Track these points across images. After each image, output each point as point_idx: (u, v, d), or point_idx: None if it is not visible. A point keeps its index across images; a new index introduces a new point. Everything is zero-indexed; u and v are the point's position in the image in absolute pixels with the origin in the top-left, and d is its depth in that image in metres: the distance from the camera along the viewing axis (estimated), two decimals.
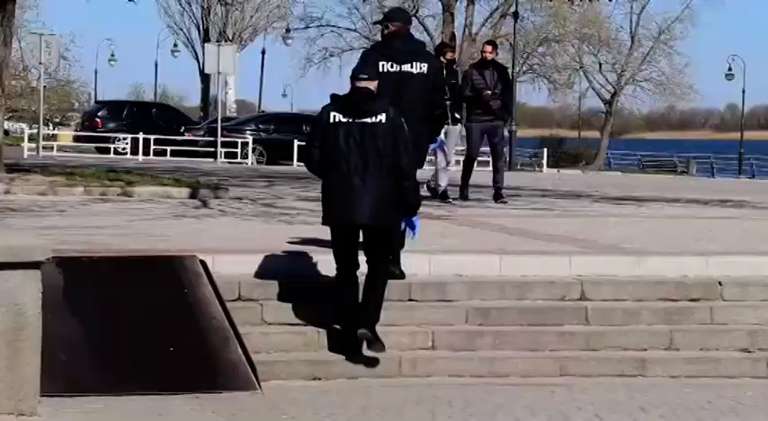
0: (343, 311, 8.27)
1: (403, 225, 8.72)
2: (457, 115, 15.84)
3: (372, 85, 8.31)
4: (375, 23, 10.56)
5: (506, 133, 16.96)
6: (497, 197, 15.84)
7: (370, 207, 8.11)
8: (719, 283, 9.08)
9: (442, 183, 15.85)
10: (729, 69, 57.82)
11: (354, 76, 8.35)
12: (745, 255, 9.93)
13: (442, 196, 15.72)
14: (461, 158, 17.09)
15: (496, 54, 16.44)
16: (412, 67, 9.10)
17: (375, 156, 8.13)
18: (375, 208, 8.12)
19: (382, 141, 8.13)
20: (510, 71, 16.30)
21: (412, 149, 8.32)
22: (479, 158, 17.36)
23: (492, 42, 17.14)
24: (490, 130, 15.83)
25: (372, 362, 8.13)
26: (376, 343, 8.07)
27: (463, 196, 15.95)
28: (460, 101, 15.95)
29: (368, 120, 8.17)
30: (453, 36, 43.97)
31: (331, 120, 8.21)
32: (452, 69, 15.84)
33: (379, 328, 8.08)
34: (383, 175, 8.14)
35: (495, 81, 15.61)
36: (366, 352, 8.12)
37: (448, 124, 15.12)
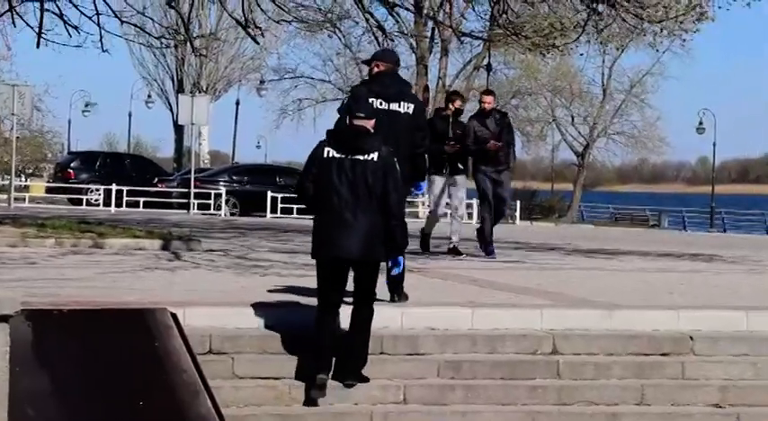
0: (315, 339, 8.33)
1: (390, 263, 8.94)
2: (460, 166, 15.52)
3: (369, 123, 8.53)
4: (363, 62, 10.57)
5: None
6: (487, 252, 15.51)
7: (360, 242, 8.30)
8: (691, 338, 9.10)
9: (454, 237, 15.65)
10: (700, 123, 58.34)
11: (352, 114, 8.55)
12: (715, 309, 9.95)
13: (453, 251, 15.53)
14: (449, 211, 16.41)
15: (496, 103, 16.19)
16: (400, 106, 9.32)
17: (365, 193, 8.32)
18: (365, 243, 8.31)
19: (372, 178, 8.32)
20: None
21: (402, 189, 8.54)
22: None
23: (490, 91, 16.75)
24: (497, 181, 15.43)
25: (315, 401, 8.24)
26: (363, 379, 8.37)
27: (488, 251, 15.52)
28: (467, 154, 15.57)
29: (360, 157, 8.36)
30: (427, 88, 44.22)
31: (325, 155, 8.41)
32: (459, 119, 15.62)
33: (348, 383, 8.05)
34: (373, 212, 8.33)
35: (497, 129, 15.33)
36: (313, 393, 8.21)
37: (459, 173, 15.29)
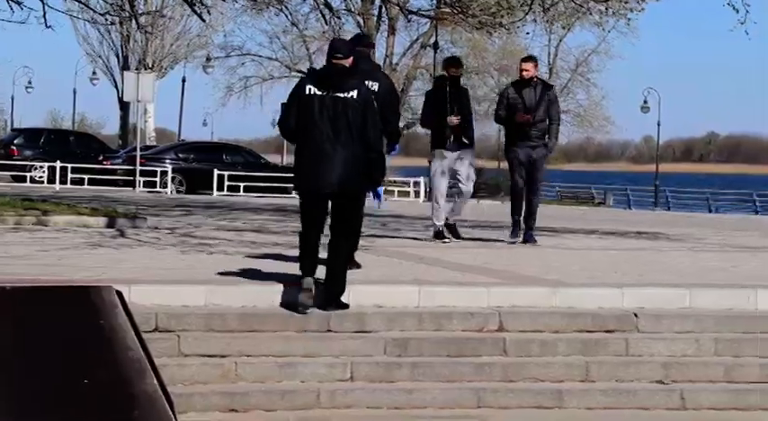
0: (300, 251, 9.04)
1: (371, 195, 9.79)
2: (465, 140, 13.92)
3: (347, 61, 9.01)
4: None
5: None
6: (528, 238, 14.10)
7: (340, 176, 8.80)
8: (635, 315, 9.18)
9: (449, 216, 14.18)
10: (645, 102, 58.81)
11: (331, 54, 9.04)
12: (659, 286, 10.06)
13: (438, 235, 14.08)
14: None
15: (537, 71, 14.19)
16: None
17: (346, 128, 8.82)
18: (344, 176, 8.82)
19: (353, 114, 8.82)
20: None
21: (378, 123, 9.07)
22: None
23: (530, 58, 14.66)
24: (528, 159, 13.86)
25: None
26: (343, 306, 8.85)
27: (515, 233, 14.17)
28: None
29: (341, 94, 8.85)
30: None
31: (306, 92, 8.89)
32: (459, 86, 14.11)
33: (296, 360, 8.07)
34: (353, 146, 8.81)
35: (535, 102, 13.65)
36: (300, 297, 8.72)
37: (465, 147, 13.84)
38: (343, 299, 8.92)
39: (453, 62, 14.42)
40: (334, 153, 8.77)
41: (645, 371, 8.77)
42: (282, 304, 8.87)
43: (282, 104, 9.88)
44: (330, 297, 8.92)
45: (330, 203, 8.99)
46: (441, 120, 13.70)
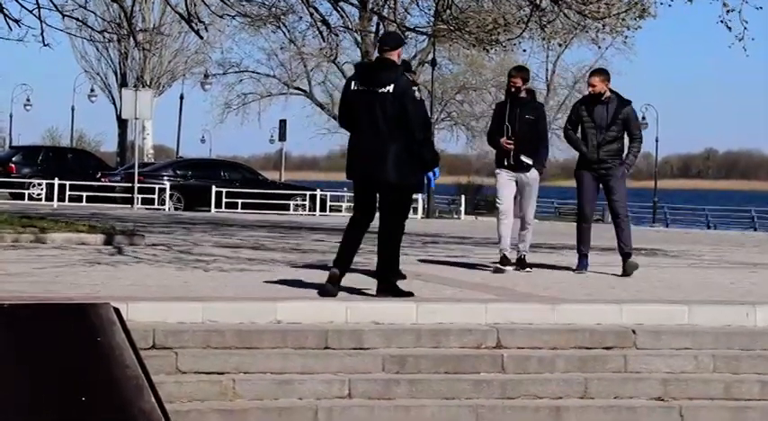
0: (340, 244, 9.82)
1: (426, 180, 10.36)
2: (526, 159, 12.47)
3: (394, 54, 9.55)
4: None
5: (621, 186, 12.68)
6: (626, 267, 12.73)
7: (382, 168, 9.31)
8: (633, 332, 9.16)
9: (521, 245, 12.79)
10: (643, 118, 58.78)
11: (379, 46, 9.71)
12: (658, 303, 10.05)
13: (520, 263, 12.72)
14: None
15: (607, 86, 12.55)
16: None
17: (385, 122, 9.27)
18: (387, 169, 9.32)
19: (390, 108, 9.25)
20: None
21: (420, 111, 9.46)
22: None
23: (600, 71, 13.10)
24: (604, 183, 12.56)
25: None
26: (397, 293, 9.53)
27: (582, 265, 12.83)
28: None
29: (379, 89, 9.33)
30: None
31: (352, 88, 9.52)
32: (523, 101, 12.56)
33: (294, 377, 8.06)
34: (395, 139, 9.28)
35: (608, 120, 12.46)
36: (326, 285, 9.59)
37: (524, 169, 12.43)
38: (336, 319, 8.87)
39: (513, 71, 12.82)
40: (376, 146, 9.28)
41: (643, 387, 8.74)
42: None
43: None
44: (382, 285, 9.53)
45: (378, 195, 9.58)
46: (498, 139, 12.56)
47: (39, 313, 8.28)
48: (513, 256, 12.71)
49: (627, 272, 12.67)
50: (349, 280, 10.10)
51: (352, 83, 9.54)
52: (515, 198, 12.72)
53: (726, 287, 12.00)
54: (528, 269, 12.68)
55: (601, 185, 12.61)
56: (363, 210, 9.68)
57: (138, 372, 7.80)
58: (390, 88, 9.32)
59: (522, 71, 12.76)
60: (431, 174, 10.98)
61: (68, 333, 7.99)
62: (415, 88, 9.65)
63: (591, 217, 12.88)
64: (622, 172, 12.55)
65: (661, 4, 20.41)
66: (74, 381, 7.66)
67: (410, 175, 9.57)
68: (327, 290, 9.56)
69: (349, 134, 9.78)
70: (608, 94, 12.52)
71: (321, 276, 11.86)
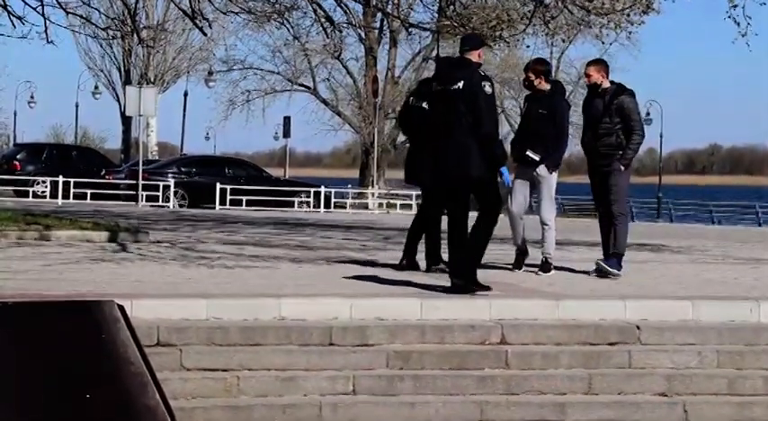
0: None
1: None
2: (532, 155, 11.92)
3: (474, 54, 9.90)
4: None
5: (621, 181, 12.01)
6: (605, 266, 11.97)
7: (459, 167, 9.58)
8: (637, 327, 9.16)
9: (546, 248, 12.24)
10: (648, 114, 58.76)
11: (460, 47, 10.05)
12: (662, 298, 10.05)
13: (544, 267, 12.21)
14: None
15: (603, 76, 11.97)
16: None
17: (458, 119, 9.54)
18: (465, 167, 9.58)
19: (463, 105, 9.51)
20: None
21: (489, 106, 9.68)
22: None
23: (596, 61, 12.40)
24: (603, 179, 11.99)
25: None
26: (464, 290, 9.71)
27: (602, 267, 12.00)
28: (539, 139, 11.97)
29: (450, 87, 9.65)
30: (376, 79, 44.25)
31: (433, 89, 9.96)
32: (540, 95, 12.04)
33: (298, 373, 8.08)
34: (467, 136, 9.53)
35: (604, 112, 11.86)
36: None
37: (531, 164, 11.92)
38: (340, 315, 8.89)
39: (530, 63, 12.42)
40: (449, 145, 9.55)
41: (647, 383, 8.75)
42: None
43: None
44: (456, 269, 9.79)
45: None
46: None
47: (43, 310, 8.30)
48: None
49: (598, 268, 11.97)
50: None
51: (433, 84, 10.05)
52: (531, 196, 12.31)
53: (730, 282, 11.99)
54: (551, 272, 12.09)
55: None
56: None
57: (143, 369, 7.81)
58: (461, 85, 9.63)
59: (537, 64, 12.28)
60: (506, 171, 10.76)
61: (72, 330, 8.00)
62: (486, 83, 9.80)
63: (603, 211, 12.18)
64: (617, 167, 11.82)
65: None
66: (78, 378, 7.67)
67: (483, 171, 9.80)
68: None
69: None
70: (606, 85, 11.91)
71: (325, 272, 11.90)
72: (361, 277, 11.27)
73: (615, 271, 11.88)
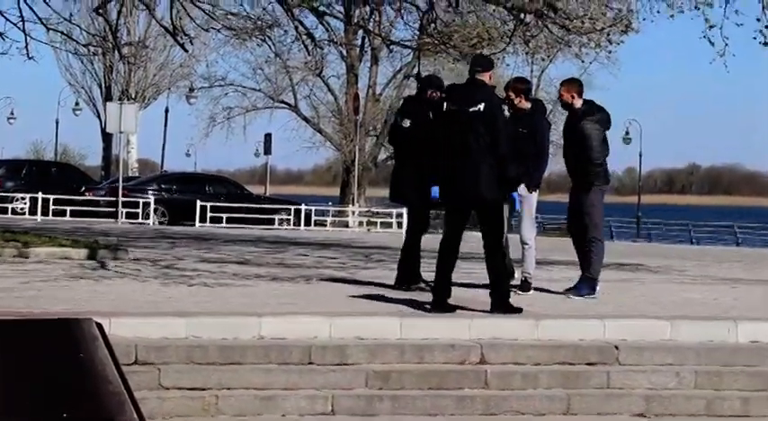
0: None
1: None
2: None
3: (486, 75, 9.99)
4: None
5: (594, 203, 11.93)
6: (576, 298, 11.70)
7: (473, 186, 9.70)
8: (616, 347, 9.18)
9: (525, 268, 12.19)
10: (627, 133, 58.99)
11: (471, 68, 10.04)
12: (640, 318, 10.06)
13: (523, 286, 12.08)
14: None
15: (575, 96, 11.84)
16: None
17: (475, 141, 9.62)
18: (478, 187, 9.65)
19: (483, 127, 9.60)
20: None
21: (507, 129, 9.93)
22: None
23: (566, 81, 12.31)
24: (575, 198, 11.97)
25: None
26: (511, 310, 9.82)
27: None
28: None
29: (470, 108, 9.69)
30: (357, 96, 44.28)
31: (444, 108, 9.93)
32: (521, 114, 11.80)
33: (277, 393, 8.05)
34: (485, 158, 9.63)
35: (573, 133, 11.79)
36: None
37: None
38: (320, 335, 8.88)
39: (510, 82, 12.40)
40: (467, 165, 9.59)
41: (626, 404, 8.76)
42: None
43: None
44: (496, 301, 9.79)
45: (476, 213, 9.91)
46: None
47: (20, 328, 8.25)
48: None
49: (568, 290, 11.92)
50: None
51: (445, 104, 9.99)
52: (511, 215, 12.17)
53: (708, 302, 12.02)
54: (529, 292, 11.95)
55: None
56: (456, 229, 9.97)
57: (121, 388, 7.77)
58: (481, 107, 9.68)
59: (517, 83, 12.29)
60: (516, 195, 11.15)
61: (50, 348, 7.96)
62: (504, 106, 10.20)
63: (574, 232, 12.14)
64: (587, 191, 11.75)
65: (644, 19, 20.47)
66: (56, 397, 7.63)
67: (497, 193, 9.91)
68: (443, 308, 9.90)
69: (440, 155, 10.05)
70: (577, 104, 11.79)
71: (305, 291, 11.88)
72: (341, 295, 11.27)
73: (589, 296, 11.84)
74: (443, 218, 10.20)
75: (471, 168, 9.69)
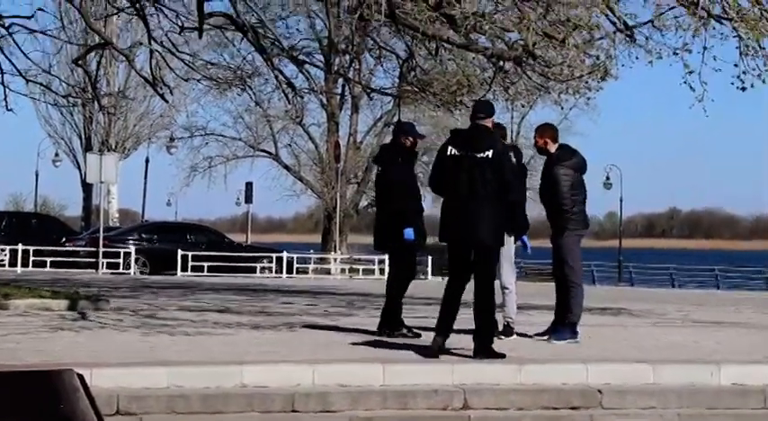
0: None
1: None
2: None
3: (488, 121, 9.98)
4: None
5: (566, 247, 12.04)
6: (558, 343, 11.72)
7: (477, 231, 9.64)
8: (599, 391, 9.17)
9: (507, 313, 12.19)
10: (607, 178, 59.23)
11: (473, 114, 10.05)
12: (623, 362, 10.06)
13: (505, 331, 12.00)
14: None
15: (550, 142, 11.93)
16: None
17: (482, 187, 9.63)
18: (480, 231, 9.66)
19: (490, 174, 9.63)
20: None
21: (515, 178, 10.01)
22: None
23: (539, 126, 12.50)
24: (554, 243, 12.05)
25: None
26: (494, 355, 9.72)
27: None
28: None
29: (477, 154, 9.71)
30: (338, 144, 44.38)
31: (448, 153, 9.89)
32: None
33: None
34: (490, 203, 9.64)
35: (548, 178, 11.86)
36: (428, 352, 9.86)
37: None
38: (303, 382, 8.85)
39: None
40: (474, 210, 9.60)
41: None
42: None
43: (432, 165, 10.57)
44: (480, 346, 9.74)
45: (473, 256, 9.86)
46: None
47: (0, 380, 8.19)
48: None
49: (549, 335, 11.93)
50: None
51: (449, 148, 9.93)
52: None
53: (690, 346, 12.03)
54: (512, 336, 11.92)
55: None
56: (460, 273, 9.97)
57: None
58: (489, 154, 9.71)
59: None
60: (526, 238, 11.55)
61: (31, 400, 7.90)
62: (511, 152, 10.21)
63: (558, 276, 12.13)
64: (562, 235, 11.82)
65: (623, 65, 20.60)
66: None
67: (497, 239, 9.97)
68: (432, 352, 9.89)
69: (443, 198, 10.08)
70: (552, 149, 11.84)
71: (288, 339, 11.85)
72: (323, 343, 11.24)
73: (572, 340, 11.84)
74: (434, 263, 10.31)
75: (475, 212, 9.75)
